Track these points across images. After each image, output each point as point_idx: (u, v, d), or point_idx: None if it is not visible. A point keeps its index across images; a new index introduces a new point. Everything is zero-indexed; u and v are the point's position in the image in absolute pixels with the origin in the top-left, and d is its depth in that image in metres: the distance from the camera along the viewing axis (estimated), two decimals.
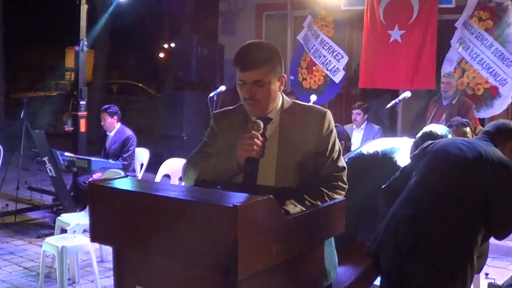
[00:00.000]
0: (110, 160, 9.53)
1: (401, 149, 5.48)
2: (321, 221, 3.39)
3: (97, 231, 3.20)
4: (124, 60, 30.97)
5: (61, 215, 8.30)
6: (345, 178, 3.63)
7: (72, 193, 9.81)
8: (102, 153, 9.99)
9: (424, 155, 4.66)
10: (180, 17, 18.28)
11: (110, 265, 5.83)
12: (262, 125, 3.42)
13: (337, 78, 12.20)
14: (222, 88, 9.93)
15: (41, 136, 9.54)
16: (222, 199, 2.92)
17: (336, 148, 3.63)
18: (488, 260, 5.55)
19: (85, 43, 10.97)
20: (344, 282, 4.31)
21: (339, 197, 3.56)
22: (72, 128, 11.17)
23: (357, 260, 4.77)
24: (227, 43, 14.39)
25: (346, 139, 6.44)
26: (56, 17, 23.89)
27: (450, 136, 5.28)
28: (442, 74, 10.32)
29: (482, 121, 10.59)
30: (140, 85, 25.75)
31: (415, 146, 5.21)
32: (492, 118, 10.22)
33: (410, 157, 5.03)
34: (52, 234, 8.12)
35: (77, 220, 7.70)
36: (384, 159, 5.46)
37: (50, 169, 9.30)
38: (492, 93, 10.37)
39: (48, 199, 10.48)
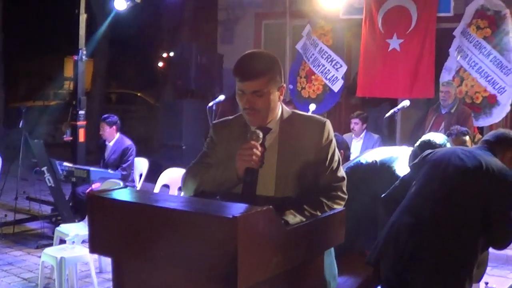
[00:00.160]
0: (109, 170, 9.52)
1: (400, 158, 5.47)
2: (321, 232, 3.38)
3: (96, 242, 3.19)
4: (123, 69, 30.92)
5: (60, 225, 8.27)
6: (344, 188, 3.63)
7: (71, 203, 9.79)
8: (101, 163, 9.98)
9: (424, 164, 4.65)
10: (179, 26, 18.28)
11: (109, 276, 5.82)
12: (261, 135, 3.42)
13: (336, 87, 12.20)
14: (221, 97, 9.93)
15: (40, 145, 9.53)
16: (221, 210, 2.92)
17: (336, 158, 3.62)
18: (488, 269, 5.54)
19: (84, 52, 10.98)
20: None
21: (339, 207, 3.56)
22: (71, 138, 11.16)
23: (357, 270, 4.76)
24: (226, 52, 14.40)
25: (345, 148, 6.45)
26: (55, 26, 23.88)
27: (448, 144, 5.27)
28: (441, 83, 10.33)
29: (481, 130, 10.60)
30: (139, 94, 25.70)
31: (414, 154, 5.21)
32: (491, 127, 10.23)
33: (409, 166, 5.03)
34: (51, 244, 8.11)
35: (76, 230, 7.67)
36: (383, 168, 5.45)
37: (49, 179, 9.29)
38: (491, 102, 10.38)
39: (47, 209, 10.44)
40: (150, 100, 24.81)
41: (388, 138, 10.26)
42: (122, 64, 30.10)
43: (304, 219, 3.32)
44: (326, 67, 12.24)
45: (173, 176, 8.68)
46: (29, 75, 30.33)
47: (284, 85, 3.61)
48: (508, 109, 10.32)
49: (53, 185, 9.33)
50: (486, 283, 6.58)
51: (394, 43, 11.25)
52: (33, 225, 10.07)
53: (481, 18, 10.55)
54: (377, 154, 5.65)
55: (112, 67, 23.24)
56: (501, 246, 4.46)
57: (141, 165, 9.99)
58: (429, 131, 9.17)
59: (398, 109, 9.02)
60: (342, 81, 12.19)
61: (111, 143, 9.88)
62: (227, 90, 12.16)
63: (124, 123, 11.37)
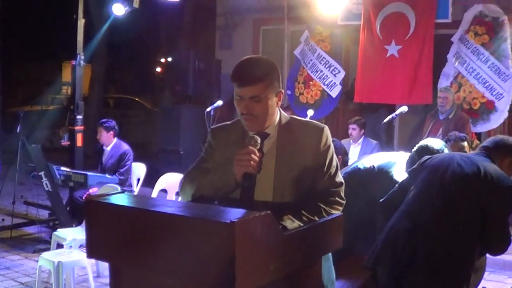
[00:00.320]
0: (107, 175, 9.51)
1: (398, 164, 5.48)
2: (319, 237, 3.38)
3: (94, 247, 3.19)
4: (121, 74, 30.93)
5: (58, 230, 8.27)
6: (342, 194, 3.63)
7: (68, 208, 9.77)
8: (99, 167, 9.97)
9: (422, 169, 4.66)
10: (177, 31, 18.29)
11: (107, 281, 5.81)
12: (259, 140, 3.42)
13: (334, 92, 12.21)
14: (219, 102, 9.92)
15: (37, 150, 9.52)
16: (219, 215, 2.92)
17: (334, 163, 3.62)
18: (486, 274, 5.54)
19: (82, 57, 10.98)
20: None
21: (337, 212, 3.56)
22: (68, 143, 11.15)
23: (354, 275, 4.77)
24: (224, 57, 14.40)
25: (343, 153, 6.46)
26: (53, 31, 23.90)
27: (446, 150, 5.28)
28: (439, 89, 10.32)
29: (479, 136, 10.61)
30: (137, 99, 25.70)
31: (411, 160, 5.21)
32: (489, 132, 10.25)
33: (407, 172, 5.03)
34: (48, 249, 8.08)
35: (74, 235, 7.67)
36: (381, 174, 5.46)
37: (46, 183, 9.27)
38: (489, 108, 10.39)
39: (44, 214, 10.43)
40: (148, 105, 24.82)
41: (386, 144, 10.26)
42: (120, 69, 30.12)
43: (302, 224, 3.32)
44: (324, 73, 12.25)
45: (170, 181, 8.66)
46: (27, 80, 30.33)
47: (282, 90, 3.61)
48: (506, 115, 10.33)
49: (50, 190, 9.31)
50: None
51: (393, 49, 11.25)
52: (30, 230, 10.05)
53: (479, 25, 10.56)
54: (375, 159, 5.66)
55: (110, 72, 23.24)
56: (497, 251, 4.47)
57: (139, 170, 9.98)
58: (427, 137, 9.18)
59: (396, 115, 9.01)
60: (340, 87, 12.20)
61: (108, 148, 9.87)
62: (225, 96, 12.17)
63: (122, 128, 11.37)
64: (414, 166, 4.86)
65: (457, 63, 10.74)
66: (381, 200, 4.95)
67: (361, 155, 9.62)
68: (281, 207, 3.42)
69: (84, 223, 3.89)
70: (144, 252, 2.94)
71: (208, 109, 9.74)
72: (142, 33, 23.53)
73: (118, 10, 11.35)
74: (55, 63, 25.72)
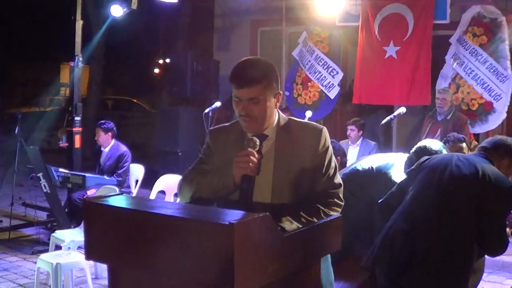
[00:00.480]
0: (105, 176, 9.51)
1: (396, 165, 5.47)
2: (318, 238, 3.38)
3: (92, 248, 3.19)
4: (119, 76, 30.89)
5: (56, 231, 8.26)
6: (341, 195, 3.63)
7: (66, 209, 9.78)
8: (97, 169, 9.96)
9: (420, 170, 4.65)
10: (175, 32, 18.27)
11: (105, 282, 5.80)
12: (258, 142, 3.42)
13: (332, 94, 12.21)
14: (218, 104, 9.92)
15: (35, 152, 9.52)
16: (218, 217, 2.92)
17: (332, 164, 3.62)
18: (484, 275, 5.54)
19: (81, 58, 10.97)
20: None
21: (335, 214, 3.56)
22: (66, 144, 11.15)
23: (353, 275, 4.77)
24: (222, 59, 14.40)
25: (341, 155, 6.45)
26: (51, 33, 23.86)
27: (444, 151, 5.27)
28: (437, 90, 10.34)
29: (477, 136, 10.62)
30: (135, 100, 25.69)
31: (409, 161, 5.21)
32: (487, 133, 10.25)
33: (405, 173, 5.03)
34: (47, 250, 8.09)
35: (72, 236, 7.66)
36: (379, 175, 5.46)
37: (44, 185, 9.27)
38: (487, 109, 10.39)
39: (42, 215, 10.42)
40: (146, 107, 24.81)
41: (384, 145, 10.26)
42: (118, 71, 30.08)
43: (300, 226, 3.32)
44: (322, 74, 12.25)
45: (169, 182, 8.66)
46: (25, 82, 30.30)
47: (281, 92, 3.61)
48: (504, 116, 10.33)
49: (48, 191, 9.31)
50: None
51: (391, 50, 11.26)
52: (28, 231, 10.04)
53: (477, 26, 10.57)
54: (374, 160, 5.65)
55: (108, 74, 23.21)
56: (495, 252, 4.46)
57: (137, 171, 9.98)
58: (425, 138, 9.17)
59: (395, 116, 9.00)
60: (338, 88, 12.20)
61: (106, 149, 9.87)
62: (223, 97, 12.17)
63: (120, 129, 11.38)
64: (412, 167, 4.86)
65: (455, 64, 10.75)
66: (379, 201, 4.94)
67: (360, 156, 9.63)
68: (280, 208, 3.42)
69: (82, 224, 3.87)
70: (142, 254, 2.93)
71: (206, 111, 9.74)
72: (140, 34, 23.50)
73: (116, 11, 11.35)
74: (53, 65, 25.62)
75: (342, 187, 3.67)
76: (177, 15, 17.14)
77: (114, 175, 9.58)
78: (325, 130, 3.63)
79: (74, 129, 10.84)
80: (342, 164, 6.27)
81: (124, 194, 3.53)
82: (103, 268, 7.55)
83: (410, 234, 4.32)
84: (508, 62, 10.27)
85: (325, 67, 12.23)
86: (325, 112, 12.45)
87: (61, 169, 9.72)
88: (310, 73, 12.41)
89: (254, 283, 2.79)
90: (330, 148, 3.64)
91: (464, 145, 7.54)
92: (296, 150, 3.55)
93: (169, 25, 18.79)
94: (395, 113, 8.99)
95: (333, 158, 3.66)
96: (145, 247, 2.92)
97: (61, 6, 14.05)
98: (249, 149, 3.37)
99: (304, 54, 12.54)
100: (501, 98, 10.27)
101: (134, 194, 9.53)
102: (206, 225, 2.77)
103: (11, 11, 25.26)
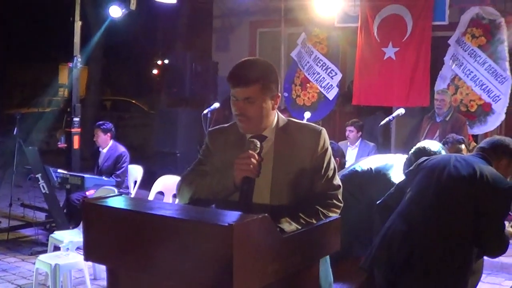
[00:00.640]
0: (104, 177, 9.50)
1: (395, 166, 5.48)
2: (316, 240, 3.38)
3: (91, 249, 3.18)
4: (118, 77, 30.90)
5: (54, 232, 8.25)
6: (340, 197, 3.62)
7: (65, 210, 9.76)
8: (95, 170, 9.95)
9: (419, 171, 4.65)
10: (173, 33, 18.28)
11: (104, 283, 5.81)
12: (259, 144, 3.42)
13: (331, 95, 12.22)
14: (216, 105, 9.90)
15: (34, 152, 9.52)
16: (217, 218, 2.91)
17: (331, 166, 3.62)
18: (483, 277, 5.54)
19: (79, 59, 10.97)
20: None
21: (334, 215, 3.55)
22: (65, 145, 11.15)
23: (352, 277, 4.77)
24: (221, 59, 14.39)
25: (340, 156, 6.45)
26: (50, 34, 23.86)
27: (443, 152, 5.27)
28: (436, 91, 10.34)
29: (476, 138, 10.62)
30: (133, 101, 25.65)
31: (408, 162, 5.21)
32: (486, 135, 10.24)
33: (404, 173, 5.03)
34: (45, 251, 8.09)
35: (70, 237, 7.65)
36: (378, 176, 5.46)
37: (43, 186, 9.27)
38: (486, 110, 10.39)
39: (41, 216, 10.41)
40: (145, 107, 24.78)
41: (383, 146, 10.27)
42: (117, 71, 30.09)
43: (299, 227, 3.31)
44: (321, 75, 12.25)
45: (167, 183, 8.65)
46: (24, 82, 30.30)
47: (279, 94, 3.60)
48: (502, 117, 10.33)
49: (47, 192, 9.31)
50: None
51: (390, 51, 11.26)
52: (27, 232, 10.03)
53: (476, 27, 10.57)
54: (372, 161, 5.66)
55: (106, 74, 23.23)
56: (494, 253, 4.46)
57: (136, 172, 9.97)
58: (424, 139, 9.17)
59: (393, 117, 9.01)
60: (337, 89, 12.21)
61: (104, 150, 9.86)
62: (222, 98, 12.16)
63: (119, 130, 11.37)
64: (411, 168, 4.86)
65: (454, 65, 10.75)
66: (378, 202, 4.94)
67: (358, 158, 9.61)
68: (279, 209, 3.41)
69: (81, 225, 3.87)
70: (141, 255, 2.93)
71: (205, 112, 9.72)
72: (139, 35, 23.51)
73: (115, 12, 11.35)
74: (52, 65, 25.62)
75: (341, 188, 3.66)
76: (176, 16, 17.16)
77: (113, 176, 9.57)
78: (324, 131, 3.62)
79: (72, 130, 10.84)
80: (341, 165, 6.26)
81: (123, 195, 3.53)
82: (101, 269, 7.55)
83: (408, 235, 4.33)
84: (507, 64, 10.27)
85: (324, 68, 12.23)
86: (323, 113, 12.45)
87: (59, 170, 9.72)
88: (308, 74, 12.41)
89: (253, 284, 2.79)
90: (330, 149, 3.64)
91: (463, 146, 7.54)
92: (295, 151, 3.54)
93: (167, 26, 18.81)
94: (394, 114, 9.01)
95: (332, 159, 3.66)
96: (144, 248, 2.91)
97: (60, 7, 14.05)
98: (250, 151, 3.37)
99: (302, 55, 12.54)
100: (500, 99, 10.27)
101: (132, 195, 9.52)
102: (205, 226, 2.77)
103: (10, 11, 25.25)
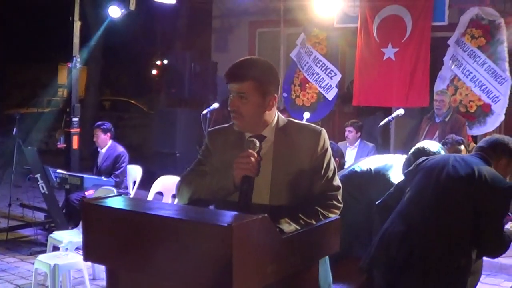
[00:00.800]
0: (103, 177, 9.49)
1: (394, 166, 5.47)
2: (316, 240, 3.37)
3: (90, 250, 3.18)
4: (117, 77, 30.91)
5: (54, 232, 8.24)
6: (340, 197, 3.62)
7: (64, 210, 9.76)
8: (94, 170, 9.95)
9: (418, 171, 4.65)
10: (173, 33, 18.28)
11: (103, 283, 5.80)
12: (258, 144, 3.41)
13: (330, 95, 12.21)
14: (215, 105, 9.88)
15: (33, 153, 9.51)
16: (216, 218, 2.91)
17: (331, 166, 3.61)
18: (482, 277, 5.53)
19: (78, 59, 10.96)
20: None
21: (334, 216, 3.54)
22: (64, 145, 11.14)
23: (351, 277, 4.76)
24: (220, 60, 14.38)
25: (340, 156, 6.45)
26: (49, 34, 23.86)
27: (443, 152, 5.26)
28: (435, 92, 10.33)
29: (475, 139, 10.60)
30: (132, 101, 25.64)
31: (408, 162, 5.21)
32: (485, 135, 10.19)
33: (403, 174, 5.03)
34: (44, 251, 8.08)
35: (70, 237, 7.64)
36: (377, 176, 5.46)
37: (42, 186, 9.26)
38: (485, 110, 10.39)
39: (40, 216, 10.41)
40: (144, 108, 24.77)
41: (382, 147, 10.26)
42: (116, 72, 30.09)
43: (299, 228, 3.31)
44: (320, 76, 12.25)
45: (167, 183, 8.64)
46: (23, 83, 30.27)
47: (276, 95, 3.58)
48: (502, 118, 10.32)
49: (46, 192, 9.30)
50: None
51: (389, 52, 11.25)
52: (26, 232, 10.02)
53: (476, 28, 10.57)
54: (372, 162, 5.65)
55: (106, 75, 23.23)
56: (493, 254, 4.47)
57: (135, 172, 9.96)
58: (423, 139, 9.15)
59: (393, 118, 9.01)
60: (336, 90, 12.21)
61: (103, 150, 9.85)
62: (221, 98, 12.16)
63: (118, 130, 11.36)
64: (410, 168, 4.85)
65: (453, 66, 10.75)
66: (377, 202, 4.94)
67: (358, 158, 9.60)
68: (278, 210, 3.41)
69: (80, 225, 3.87)
70: (141, 255, 2.93)
71: (204, 112, 9.70)
72: (138, 35, 23.51)
73: (114, 12, 11.34)
74: (51, 66, 25.59)
75: (341, 189, 3.66)
76: (175, 16, 17.16)
77: (112, 176, 9.56)
78: (324, 132, 3.62)
79: (72, 130, 10.83)
80: (340, 165, 6.27)
81: (122, 196, 3.53)
82: (101, 269, 7.54)
83: (407, 235, 4.32)
84: (507, 64, 10.27)
85: (323, 68, 12.23)
86: (323, 113, 12.45)
87: (59, 170, 9.71)
88: (308, 75, 12.41)
89: (253, 284, 2.78)
90: (329, 150, 3.64)
91: (462, 147, 7.54)
92: (295, 151, 3.54)
93: (167, 26, 18.82)
94: (393, 115, 9.00)
95: (332, 160, 3.65)
96: (143, 248, 2.91)
97: (59, 7, 14.03)
98: (250, 150, 3.37)
99: (302, 56, 12.53)
100: (499, 100, 10.27)
101: (131, 195, 9.52)
102: (205, 226, 2.77)
103: (9, 11, 25.24)
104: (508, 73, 10.23)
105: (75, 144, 10.89)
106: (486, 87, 10.34)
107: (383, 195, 4.93)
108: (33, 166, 9.39)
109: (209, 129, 3.94)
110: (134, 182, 9.87)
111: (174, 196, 5.40)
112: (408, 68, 11.07)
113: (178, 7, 14.63)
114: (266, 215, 2.86)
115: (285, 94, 12.70)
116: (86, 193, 9.15)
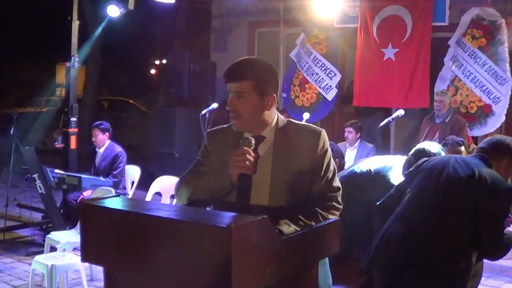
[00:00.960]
0: (101, 178, 9.48)
1: (394, 167, 5.46)
2: (315, 242, 3.36)
3: (88, 250, 3.15)
4: (116, 77, 30.96)
5: (51, 233, 8.22)
6: (339, 198, 3.60)
7: (62, 211, 9.74)
8: (92, 170, 9.93)
9: (418, 172, 4.63)
10: (172, 33, 18.30)
11: (101, 284, 5.77)
12: (253, 141, 3.40)
13: (330, 95, 12.19)
14: (214, 105, 9.86)
15: (31, 152, 9.49)
16: (215, 219, 2.88)
17: (331, 167, 3.59)
18: (482, 279, 5.50)
19: (77, 59, 10.95)
20: None
21: (334, 217, 3.52)
22: (62, 145, 11.13)
23: (351, 278, 4.75)
24: (219, 60, 14.38)
25: (339, 157, 6.44)
26: (47, 33, 23.88)
27: (443, 153, 5.25)
28: (436, 92, 10.31)
29: (476, 139, 10.58)
30: (131, 101, 25.67)
31: (408, 163, 5.20)
32: (486, 136, 10.18)
33: (403, 175, 5.01)
34: (42, 252, 8.05)
35: (67, 238, 7.63)
36: (377, 177, 5.45)
37: (40, 186, 9.24)
38: (486, 111, 10.37)
39: (37, 217, 10.40)
40: (142, 108, 24.81)
41: (382, 147, 10.25)
42: (115, 71, 30.13)
43: (298, 229, 3.29)
44: (320, 76, 12.23)
45: (165, 184, 8.62)
46: (21, 82, 30.30)
47: (275, 96, 3.56)
48: (503, 119, 10.30)
49: (44, 192, 9.28)
50: None
51: (389, 52, 11.23)
52: (23, 232, 10.01)
53: (476, 28, 10.54)
54: (372, 163, 5.64)
55: (104, 74, 23.23)
56: (493, 256, 4.44)
57: (133, 172, 9.93)
58: (423, 140, 9.15)
59: (393, 119, 8.98)
60: (336, 90, 12.19)
61: (101, 150, 9.83)
62: (220, 98, 12.13)
63: (116, 130, 11.33)
64: (410, 169, 4.83)
65: (454, 66, 10.72)
66: (377, 203, 4.92)
67: (357, 159, 9.59)
68: (278, 211, 3.39)
69: (78, 226, 3.85)
70: (139, 256, 2.91)
71: (203, 112, 9.68)
72: (136, 35, 23.55)
73: (113, 12, 11.34)
74: (49, 65, 25.66)
75: (341, 190, 3.64)
76: (174, 16, 17.16)
77: (110, 176, 9.54)
78: (324, 132, 3.60)
79: (70, 130, 10.83)
80: (340, 166, 6.26)
81: (120, 196, 3.50)
82: (98, 270, 7.52)
83: (406, 237, 4.31)
84: (507, 65, 10.25)
85: (323, 68, 12.21)
86: (322, 114, 12.43)
87: (56, 170, 9.70)
88: (307, 75, 12.39)
89: (252, 285, 2.77)
90: (329, 151, 3.62)
91: (462, 148, 7.51)
92: (295, 152, 3.52)
93: (166, 26, 18.83)
94: (393, 116, 8.97)
95: (332, 161, 3.63)
96: (141, 249, 2.89)
97: (58, 7, 14.04)
98: (245, 148, 3.34)
99: (301, 56, 12.52)
100: (500, 101, 10.25)
101: (130, 196, 9.50)
102: (204, 227, 2.74)
103: (8, 11, 25.24)
104: (509, 74, 10.21)
105: (73, 144, 10.88)
106: (487, 88, 10.32)
107: (383, 196, 4.91)
108: (31, 166, 9.37)
109: (208, 130, 3.92)
110: (132, 183, 9.85)
111: (172, 197, 5.38)
112: (408, 68, 11.05)
113: (177, 6, 14.63)
114: (265, 216, 2.84)
115: (284, 95, 12.69)
116: (84, 193, 9.13)
